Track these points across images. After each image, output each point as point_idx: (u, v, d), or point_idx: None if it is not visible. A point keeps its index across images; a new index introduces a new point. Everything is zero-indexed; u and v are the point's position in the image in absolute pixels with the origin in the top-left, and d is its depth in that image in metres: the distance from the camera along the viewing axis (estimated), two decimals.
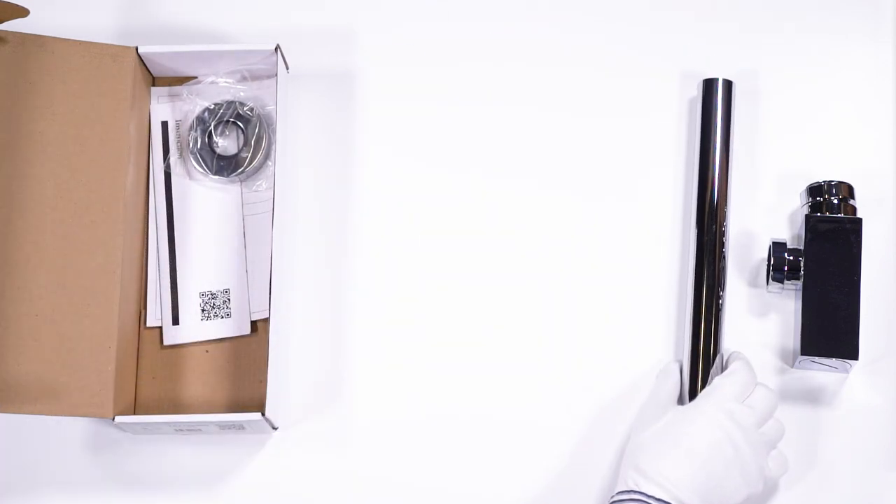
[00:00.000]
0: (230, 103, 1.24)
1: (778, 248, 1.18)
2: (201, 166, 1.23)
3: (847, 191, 1.20)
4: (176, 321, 1.22)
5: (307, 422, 1.21)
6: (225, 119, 1.24)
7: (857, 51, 1.27)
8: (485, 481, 1.19)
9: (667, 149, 1.26)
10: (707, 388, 1.13)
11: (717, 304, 1.19)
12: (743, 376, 1.12)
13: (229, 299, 1.22)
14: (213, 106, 1.24)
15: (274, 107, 1.23)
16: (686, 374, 1.17)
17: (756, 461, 1.10)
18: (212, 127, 1.23)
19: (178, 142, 1.23)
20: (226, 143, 1.24)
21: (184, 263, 1.23)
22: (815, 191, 1.20)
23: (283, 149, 1.21)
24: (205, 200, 1.24)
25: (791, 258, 1.18)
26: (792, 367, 1.20)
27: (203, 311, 1.22)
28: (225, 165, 1.23)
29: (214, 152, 1.24)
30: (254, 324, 1.22)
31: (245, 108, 1.23)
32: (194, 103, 1.24)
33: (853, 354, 1.16)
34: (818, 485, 1.18)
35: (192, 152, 1.23)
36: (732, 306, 1.21)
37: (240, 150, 1.23)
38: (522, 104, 1.27)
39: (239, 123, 1.23)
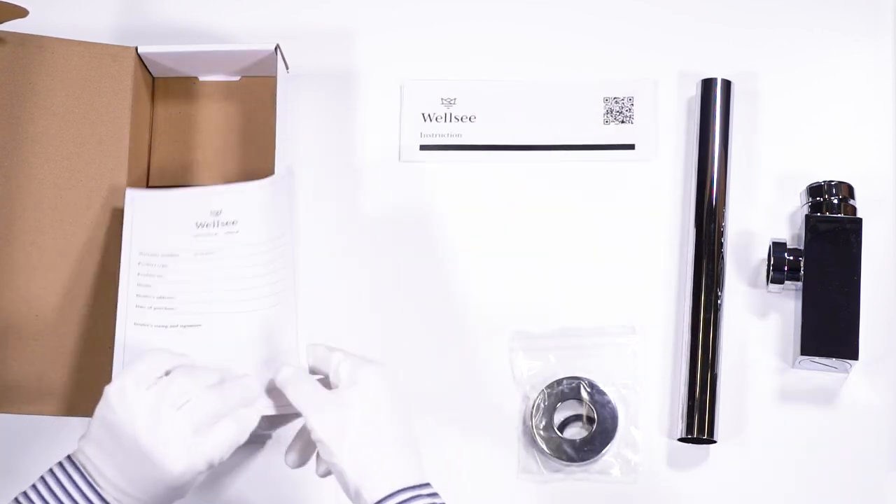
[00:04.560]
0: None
1: (778, 248, 1.18)
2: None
3: (847, 191, 1.20)
4: None
5: None
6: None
7: (857, 51, 1.27)
8: None
9: (665, 148, 1.26)
10: None
11: (716, 304, 1.19)
12: None
13: None
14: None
15: (273, 107, 1.23)
16: (685, 375, 1.18)
17: None
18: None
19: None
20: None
21: None
22: (815, 191, 1.20)
23: (283, 149, 1.21)
24: None
25: (791, 258, 1.18)
26: (792, 367, 1.20)
27: None
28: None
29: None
30: None
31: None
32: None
33: (853, 354, 1.16)
34: (818, 485, 1.18)
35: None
36: (732, 306, 1.21)
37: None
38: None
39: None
